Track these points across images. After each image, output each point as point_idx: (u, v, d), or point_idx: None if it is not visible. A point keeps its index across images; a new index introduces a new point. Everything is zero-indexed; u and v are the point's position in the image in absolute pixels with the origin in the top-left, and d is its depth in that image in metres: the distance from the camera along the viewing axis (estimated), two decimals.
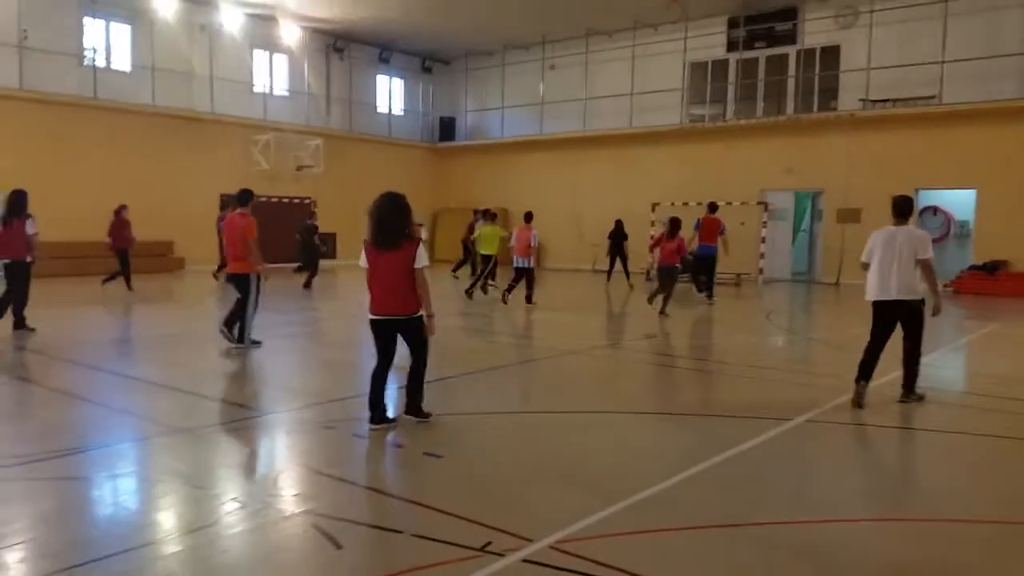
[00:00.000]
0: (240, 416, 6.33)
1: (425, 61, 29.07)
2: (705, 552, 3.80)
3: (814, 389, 7.68)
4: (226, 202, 17.31)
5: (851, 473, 5.27)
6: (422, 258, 5.66)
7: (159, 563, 3.56)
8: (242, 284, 8.97)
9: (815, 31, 21.44)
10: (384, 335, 5.83)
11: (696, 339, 11.72)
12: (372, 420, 5.82)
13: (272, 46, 24.47)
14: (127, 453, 5.30)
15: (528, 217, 14.90)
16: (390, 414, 5.92)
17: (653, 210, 21.68)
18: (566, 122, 25.63)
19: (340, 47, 26.26)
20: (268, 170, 23.43)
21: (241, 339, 9.04)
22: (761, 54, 22.46)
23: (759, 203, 20.99)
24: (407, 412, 6.02)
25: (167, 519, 4.17)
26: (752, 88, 22.79)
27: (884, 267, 6.78)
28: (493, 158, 27.91)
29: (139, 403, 6.74)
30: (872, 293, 6.88)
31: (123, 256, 15.44)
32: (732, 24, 22.60)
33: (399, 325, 5.79)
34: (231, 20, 22.83)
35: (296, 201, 24.16)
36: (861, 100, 20.24)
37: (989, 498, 4.80)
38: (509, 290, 14.35)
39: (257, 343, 9.19)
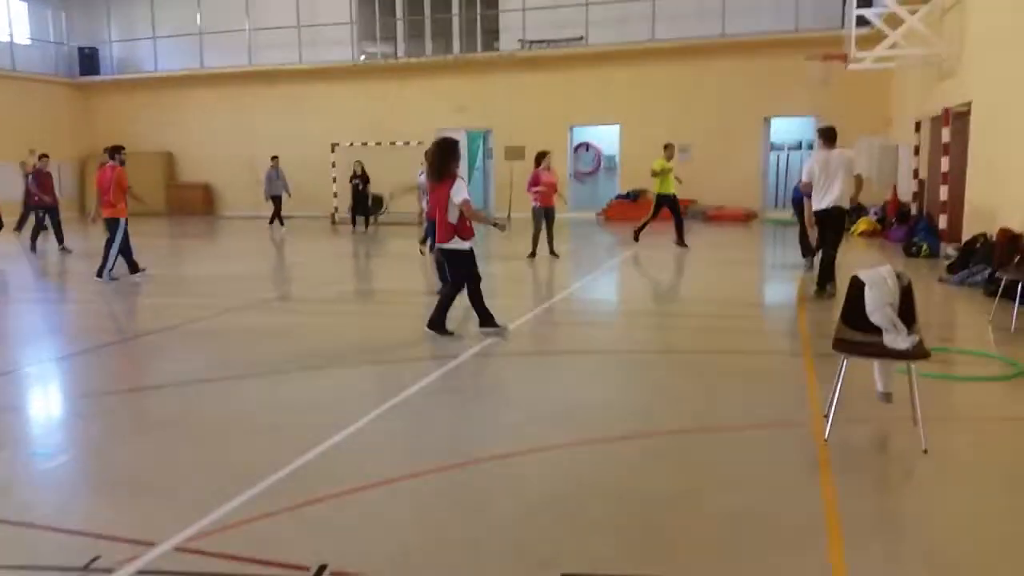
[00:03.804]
0: None
1: None
2: (355, 519, 3.62)
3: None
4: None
5: (503, 405, 5.44)
6: (460, 192, 6.71)
7: None
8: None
9: None
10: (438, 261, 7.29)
11: (360, 283, 11.62)
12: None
13: None
14: None
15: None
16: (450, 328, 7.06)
17: (333, 151, 21.00)
18: (230, 55, 23.71)
19: None
20: None
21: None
22: None
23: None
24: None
25: None
26: (420, 25, 22.81)
27: (823, 183, 8.45)
28: (149, 95, 25.06)
29: None
30: (816, 205, 8.55)
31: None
32: None
33: (443, 253, 6.98)
34: None
35: None
36: (520, 41, 21.23)
37: (630, 412, 5.21)
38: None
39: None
